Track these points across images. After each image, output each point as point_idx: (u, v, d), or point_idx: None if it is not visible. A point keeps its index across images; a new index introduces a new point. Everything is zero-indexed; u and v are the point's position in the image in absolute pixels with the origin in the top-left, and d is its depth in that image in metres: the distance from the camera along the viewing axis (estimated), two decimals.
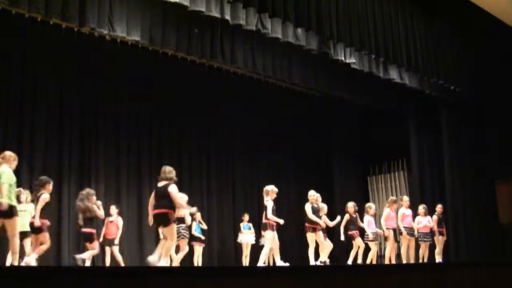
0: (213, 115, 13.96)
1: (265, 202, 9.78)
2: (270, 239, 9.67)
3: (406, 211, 11.95)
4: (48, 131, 11.49)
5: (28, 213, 9.45)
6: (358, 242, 11.40)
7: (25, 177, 10.86)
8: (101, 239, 10.65)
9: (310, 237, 10.44)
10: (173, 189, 8.02)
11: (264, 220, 9.75)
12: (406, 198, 12.32)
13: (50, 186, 8.55)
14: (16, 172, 10.58)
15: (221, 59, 10.58)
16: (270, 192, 9.82)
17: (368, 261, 11.47)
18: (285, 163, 15.41)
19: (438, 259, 12.28)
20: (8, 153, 7.82)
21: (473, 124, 14.14)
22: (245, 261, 12.92)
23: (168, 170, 8.21)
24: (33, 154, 11.16)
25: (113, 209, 11.09)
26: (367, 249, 11.63)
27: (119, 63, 12.02)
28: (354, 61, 11.34)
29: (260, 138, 14.86)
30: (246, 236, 13.16)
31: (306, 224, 10.44)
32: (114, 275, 5.68)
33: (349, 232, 11.46)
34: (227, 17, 9.50)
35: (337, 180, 15.66)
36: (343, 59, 11.17)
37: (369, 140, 16.01)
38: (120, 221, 11.09)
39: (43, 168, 11.15)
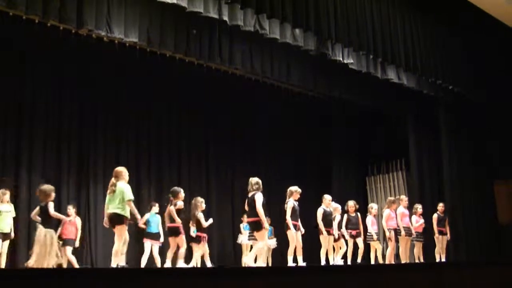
0: (212, 116, 13.98)
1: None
2: (291, 238, 9.96)
3: (404, 210, 11.99)
4: (47, 133, 11.49)
5: (12, 213, 9.50)
6: (341, 242, 11.48)
7: (24, 178, 10.90)
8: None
9: (323, 238, 10.70)
10: (257, 198, 8.95)
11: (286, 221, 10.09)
12: (404, 198, 12.37)
13: (181, 194, 9.89)
14: (16, 173, 10.76)
15: (219, 60, 10.58)
16: (294, 193, 10.19)
17: (373, 260, 11.58)
18: (284, 164, 15.39)
19: (439, 258, 12.31)
20: (118, 169, 8.51)
21: (472, 124, 14.14)
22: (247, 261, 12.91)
23: (254, 182, 9.15)
24: (32, 156, 11.15)
25: (71, 210, 10.81)
26: (368, 249, 11.72)
27: (117, 64, 11.99)
28: (352, 61, 11.36)
29: (259, 139, 14.86)
30: (246, 237, 13.14)
31: (320, 227, 10.70)
32: (113, 276, 5.67)
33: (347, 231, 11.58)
34: (225, 18, 9.52)
35: (335, 180, 15.65)
36: (341, 59, 11.20)
37: (368, 140, 16.01)
38: (78, 221, 10.85)
39: (42, 169, 11.16)
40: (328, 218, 10.86)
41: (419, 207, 12.41)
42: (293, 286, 7.15)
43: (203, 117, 13.82)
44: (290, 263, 9.84)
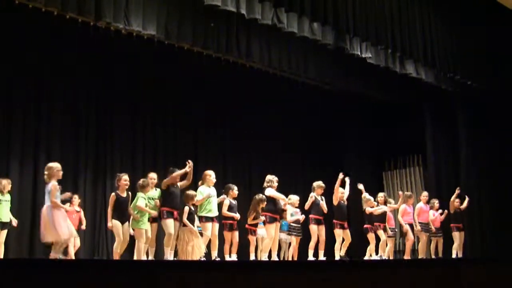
0: (228, 110, 13.99)
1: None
2: (313, 232, 10.35)
3: (423, 206, 11.92)
4: (64, 127, 11.56)
5: (8, 203, 9.59)
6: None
7: (42, 171, 10.97)
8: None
9: (338, 233, 10.73)
10: (269, 192, 9.67)
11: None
12: (425, 193, 12.33)
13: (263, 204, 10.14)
14: (34, 166, 10.85)
15: (237, 53, 10.57)
16: (316, 188, 10.49)
17: (385, 256, 11.50)
18: (299, 158, 15.35)
19: (455, 254, 12.23)
20: (207, 172, 9.60)
21: (490, 119, 14.02)
22: (261, 255, 12.91)
23: (267, 179, 9.87)
24: (50, 150, 11.23)
25: (77, 199, 10.85)
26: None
27: (134, 57, 12.04)
28: (370, 55, 11.29)
29: (274, 133, 14.80)
30: (262, 230, 13.12)
31: (334, 221, 10.77)
32: (128, 268, 5.72)
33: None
34: (243, 11, 9.48)
35: (352, 175, 15.54)
36: (359, 53, 11.13)
37: (385, 135, 15.94)
38: (81, 212, 10.93)
39: (59, 163, 11.23)
40: (342, 211, 10.83)
41: (435, 202, 12.33)
42: (306, 281, 7.17)
43: (220, 111, 13.83)
44: (310, 257, 10.14)
